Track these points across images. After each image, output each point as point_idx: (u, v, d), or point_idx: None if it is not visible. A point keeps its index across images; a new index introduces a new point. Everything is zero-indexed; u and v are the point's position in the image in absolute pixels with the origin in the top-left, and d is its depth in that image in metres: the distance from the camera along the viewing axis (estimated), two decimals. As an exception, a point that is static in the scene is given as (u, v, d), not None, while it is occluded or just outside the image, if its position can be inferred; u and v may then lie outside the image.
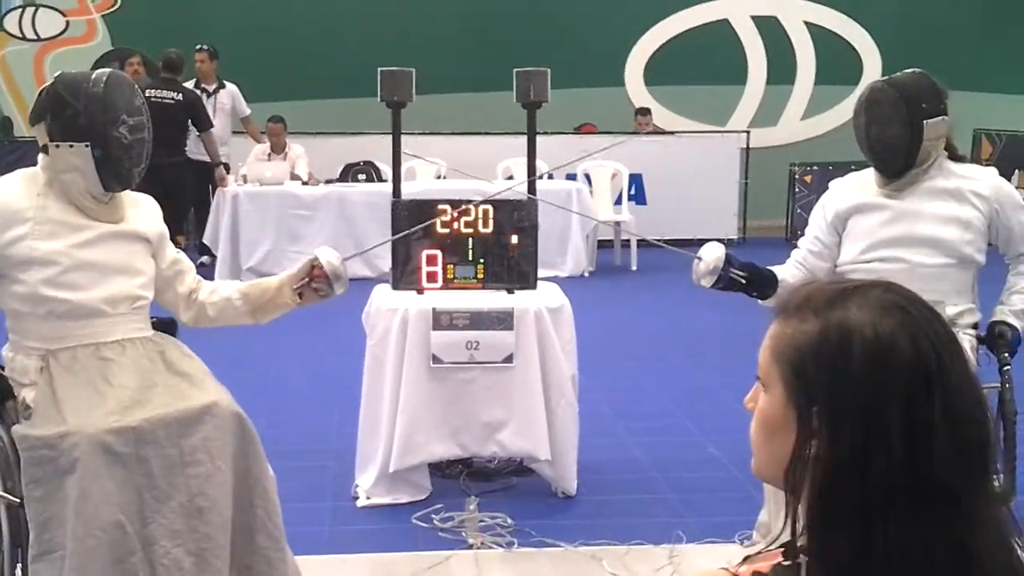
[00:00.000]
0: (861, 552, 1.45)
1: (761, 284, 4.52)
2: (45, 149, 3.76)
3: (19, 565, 3.68)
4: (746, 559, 1.57)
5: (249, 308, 4.17)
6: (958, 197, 4.43)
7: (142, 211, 4.01)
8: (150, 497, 3.60)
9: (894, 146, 4.37)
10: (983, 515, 1.46)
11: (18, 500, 3.63)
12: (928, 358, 1.46)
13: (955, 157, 4.53)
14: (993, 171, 4.57)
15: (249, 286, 4.22)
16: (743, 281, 4.49)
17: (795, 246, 4.78)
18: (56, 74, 3.84)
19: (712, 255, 4.48)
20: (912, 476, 1.44)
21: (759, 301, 4.54)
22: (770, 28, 15.84)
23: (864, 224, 4.52)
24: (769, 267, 4.64)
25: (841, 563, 1.46)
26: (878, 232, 4.48)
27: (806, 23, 15.90)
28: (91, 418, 3.57)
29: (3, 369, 3.81)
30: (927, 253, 4.40)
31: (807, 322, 1.52)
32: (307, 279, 4.17)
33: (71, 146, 3.70)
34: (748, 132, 14.94)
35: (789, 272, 4.66)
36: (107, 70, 3.84)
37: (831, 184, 4.74)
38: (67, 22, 15.12)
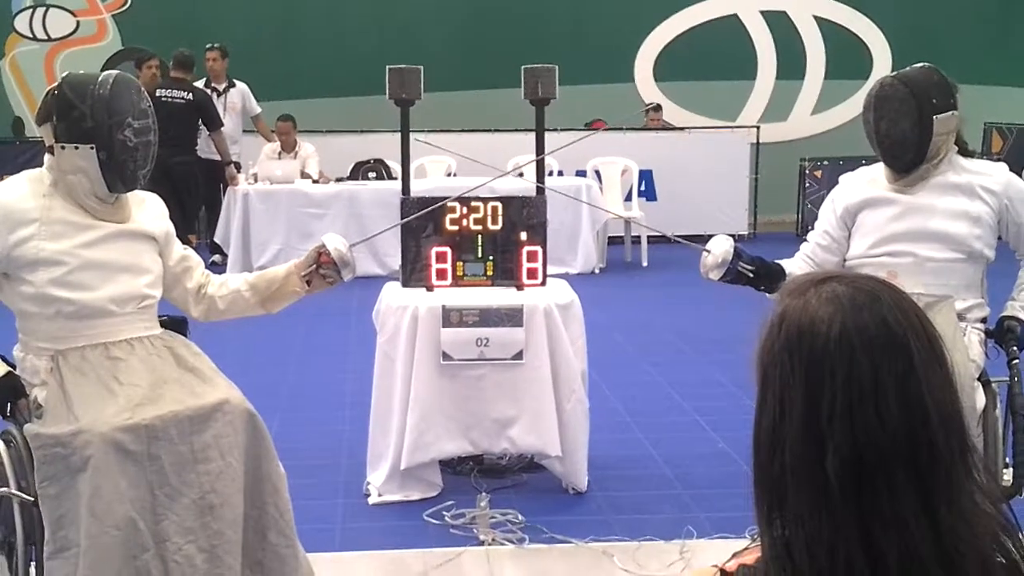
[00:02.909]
0: (777, 536, 1.50)
1: (769, 278, 4.53)
2: (51, 150, 3.77)
3: (33, 563, 3.70)
4: (735, 555, 1.61)
5: (258, 299, 4.19)
6: (968, 192, 4.41)
7: (148, 210, 4.03)
8: (162, 494, 3.62)
9: (904, 141, 4.36)
10: (931, 506, 1.48)
11: (32, 498, 3.65)
12: (850, 349, 1.49)
13: (965, 152, 4.51)
14: (1004, 166, 4.55)
15: (257, 276, 4.24)
16: (751, 275, 4.50)
17: (806, 241, 4.78)
18: (63, 75, 3.85)
19: (720, 248, 4.49)
20: (819, 461, 1.47)
21: (767, 295, 4.55)
22: (780, 23, 15.81)
23: (874, 218, 4.52)
24: (777, 261, 4.64)
25: (767, 547, 1.52)
26: (888, 227, 4.47)
27: (816, 17, 15.86)
28: (103, 416, 3.59)
29: (15, 369, 3.82)
30: (936, 248, 4.39)
31: (772, 309, 1.58)
32: (314, 266, 4.18)
33: (76, 148, 3.71)
34: (758, 127, 14.92)
35: (797, 266, 4.67)
36: (114, 72, 3.84)
37: (841, 179, 4.73)
38: (77, 22, 15.14)
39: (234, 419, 3.75)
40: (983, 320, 4.49)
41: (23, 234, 3.70)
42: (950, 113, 4.35)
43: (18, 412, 3.76)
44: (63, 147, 3.73)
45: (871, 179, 4.59)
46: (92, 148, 3.70)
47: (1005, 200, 4.41)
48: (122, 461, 3.55)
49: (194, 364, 3.91)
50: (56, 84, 3.80)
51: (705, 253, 4.53)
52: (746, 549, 1.59)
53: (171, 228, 4.11)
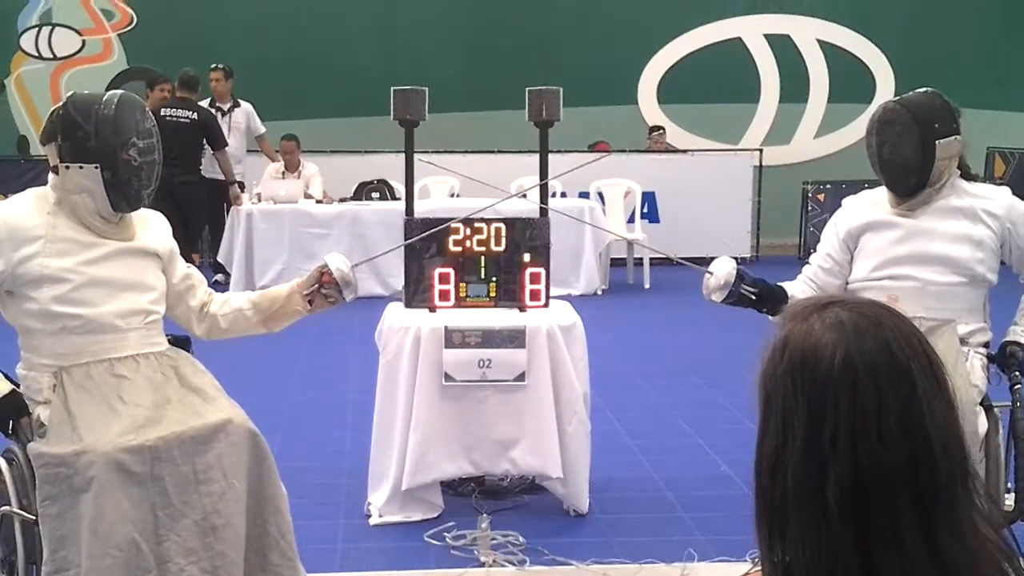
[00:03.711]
0: (778, 560, 1.51)
1: (771, 300, 4.54)
2: (55, 169, 3.79)
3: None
4: None
5: (260, 317, 4.21)
6: (971, 216, 4.42)
7: (152, 227, 4.04)
8: (164, 515, 3.62)
9: (906, 166, 4.37)
10: (931, 531, 1.48)
11: (33, 517, 3.64)
12: (854, 374, 1.49)
13: (968, 176, 4.52)
14: (1006, 190, 4.56)
15: (259, 295, 4.25)
16: (753, 297, 4.52)
17: (808, 264, 4.78)
18: (68, 95, 3.86)
19: (723, 270, 4.50)
20: (820, 486, 1.47)
21: (769, 317, 4.56)
22: (783, 46, 15.86)
23: (876, 242, 4.52)
24: (780, 284, 4.65)
25: (768, 571, 1.53)
26: (890, 250, 4.48)
27: (819, 41, 15.91)
28: (106, 436, 3.59)
29: (18, 387, 3.82)
30: (939, 271, 4.39)
31: (775, 334, 1.58)
32: (316, 286, 4.19)
33: (81, 167, 3.72)
34: (761, 150, 14.95)
35: (800, 289, 4.68)
36: (118, 92, 3.86)
37: (844, 202, 4.74)
38: (83, 41, 15.21)
39: (237, 439, 3.75)
40: (985, 344, 4.49)
41: (27, 251, 3.71)
42: (953, 138, 4.36)
43: (20, 431, 3.76)
44: (68, 167, 3.75)
45: (873, 202, 4.61)
46: (97, 168, 3.71)
47: (1008, 224, 4.42)
48: (125, 482, 3.55)
49: (197, 384, 3.91)
50: (61, 104, 3.81)
51: (708, 275, 4.55)
52: (746, 574, 1.60)
53: (175, 246, 4.13)
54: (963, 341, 4.36)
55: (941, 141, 4.33)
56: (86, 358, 3.76)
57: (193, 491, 3.65)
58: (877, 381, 1.49)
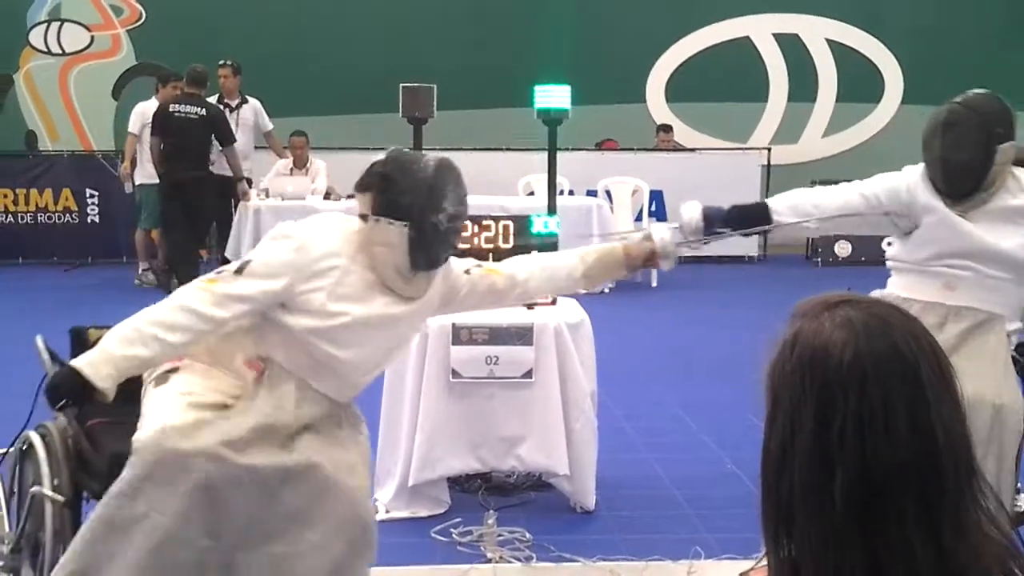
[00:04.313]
0: (784, 556, 1.52)
1: (748, 223, 4.56)
2: (365, 218, 3.76)
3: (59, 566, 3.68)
4: (741, 575, 1.62)
5: (584, 280, 4.30)
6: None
7: (438, 284, 3.99)
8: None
9: (967, 169, 4.28)
10: (937, 531, 1.48)
11: (62, 498, 3.64)
12: (863, 374, 1.50)
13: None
14: None
15: (594, 262, 4.28)
16: (728, 230, 4.55)
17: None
18: (391, 150, 3.87)
19: (689, 214, 4.50)
20: (827, 484, 1.48)
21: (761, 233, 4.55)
22: (792, 45, 15.85)
23: (934, 230, 4.40)
24: (768, 200, 4.64)
25: (774, 568, 1.54)
26: (949, 243, 4.35)
27: (828, 41, 15.90)
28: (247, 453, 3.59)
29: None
30: (995, 266, 4.30)
31: (785, 330, 1.59)
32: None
33: (391, 223, 3.71)
34: (769, 149, 14.95)
35: (794, 200, 4.61)
36: (439, 156, 3.85)
37: (912, 171, 4.53)
38: (92, 37, 15.23)
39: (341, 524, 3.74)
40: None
41: (316, 284, 3.68)
42: (1011, 143, 4.30)
43: (67, 411, 3.72)
44: (378, 220, 3.73)
45: (934, 189, 4.45)
46: (406, 226, 3.70)
47: None
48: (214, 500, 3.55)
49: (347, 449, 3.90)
50: (383, 159, 3.81)
51: (676, 228, 4.52)
52: (752, 569, 1.60)
53: (455, 281, 4.09)
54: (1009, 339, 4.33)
55: (1001, 146, 4.27)
56: (312, 378, 3.77)
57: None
58: (885, 381, 1.49)
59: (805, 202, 4.61)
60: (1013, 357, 4.41)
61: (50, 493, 3.66)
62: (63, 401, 3.53)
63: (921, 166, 4.55)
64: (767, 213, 4.56)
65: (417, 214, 3.70)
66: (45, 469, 3.69)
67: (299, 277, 3.65)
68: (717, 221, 4.51)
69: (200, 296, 3.60)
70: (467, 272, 4.11)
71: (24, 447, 3.85)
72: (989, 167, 4.28)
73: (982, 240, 4.34)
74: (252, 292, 3.62)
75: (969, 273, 4.33)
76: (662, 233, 4.32)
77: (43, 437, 3.78)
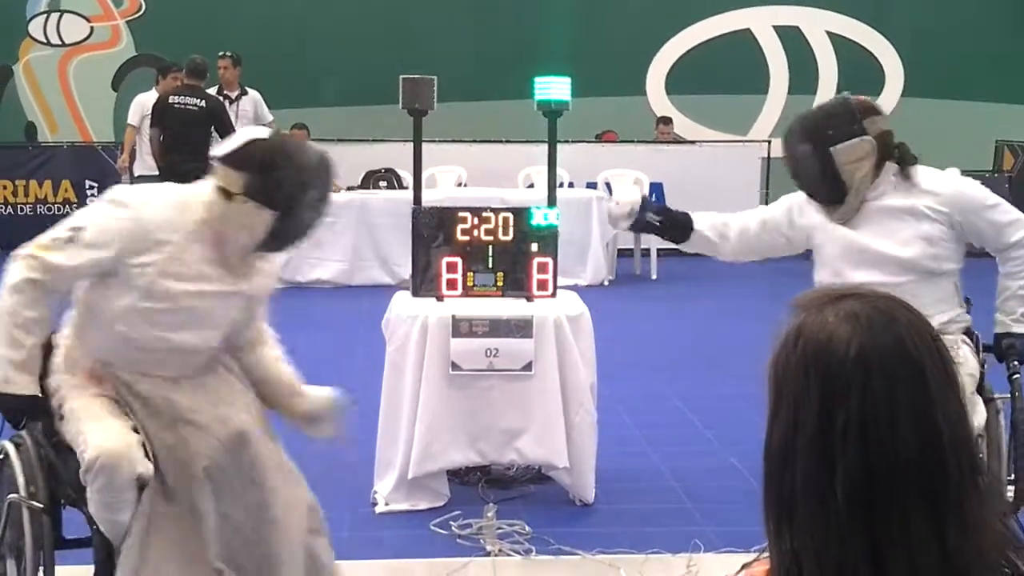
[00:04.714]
0: (786, 550, 1.51)
1: (676, 228, 4.63)
2: (226, 193, 3.64)
3: (42, 568, 3.69)
4: (744, 566, 1.61)
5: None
6: (916, 214, 4.28)
7: (267, 271, 3.95)
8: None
9: (811, 177, 4.30)
10: (940, 527, 1.47)
11: (40, 505, 3.64)
12: (867, 368, 1.48)
13: (905, 162, 4.34)
14: (950, 178, 4.39)
15: (267, 385, 4.10)
16: (658, 224, 4.62)
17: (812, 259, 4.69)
18: (273, 132, 3.87)
19: (628, 197, 4.55)
20: (829, 479, 1.47)
21: (674, 244, 4.71)
22: (792, 38, 15.84)
23: (827, 249, 4.43)
24: (689, 213, 4.69)
25: (776, 561, 1.53)
26: (839, 261, 4.37)
27: (828, 33, 15.88)
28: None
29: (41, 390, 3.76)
30: (894, 272, 4.25)
31: (788, 322, 1.57)
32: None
33: (259, 208, 3.62)
34: (769, 142, 14.90)
35: (710, 222, 4.68)
36: (321, 151, 3.82)
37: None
38: (91, 28, 15.22)
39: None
40: (967, 331, 4.41)
41: (146, 259, 3.58)
42: (856, 140, 4.22)
43: (31, 423, 3.75)
44: (245, 201, 3.62)
45: (818, 205, 4.47)
46: (271, 212, 3.63)
47: (957, 217, 4.26)
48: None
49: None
50: (267, 138, 3.76)
51: (613, 204, 4.59)
52: (756, 560, 1.59)
53: (274, 287, 4.05)
54: (942, 331, 4.28)
55: (838, 147, 4.21)
56: (130, 369, 3.73)
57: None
58: (890, 376, 1.49)
59: (722, 222, 4.70)
60: (985, 346, 4.38)
61: (29, 501, 3.66)
62: (21, 419, 3.66)
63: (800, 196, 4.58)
64: (690, 224, 4.65)
65: (290, 206, 3.64)
66: (21, 478, 3.68)
67: (130, 249, 3.55)
68: (650, 209, 4.61)
69: (32, 268, 3.54)
70: None
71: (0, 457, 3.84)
72: (831, 170, 4.23)
73: (870, 252, 4.30)
74: (81, 262, 3.55)
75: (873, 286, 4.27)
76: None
77: (17, 447, 3.76)
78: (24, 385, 3.55)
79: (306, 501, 3.92)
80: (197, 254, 3.64)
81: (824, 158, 4.23)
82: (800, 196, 4.53)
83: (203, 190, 3.69)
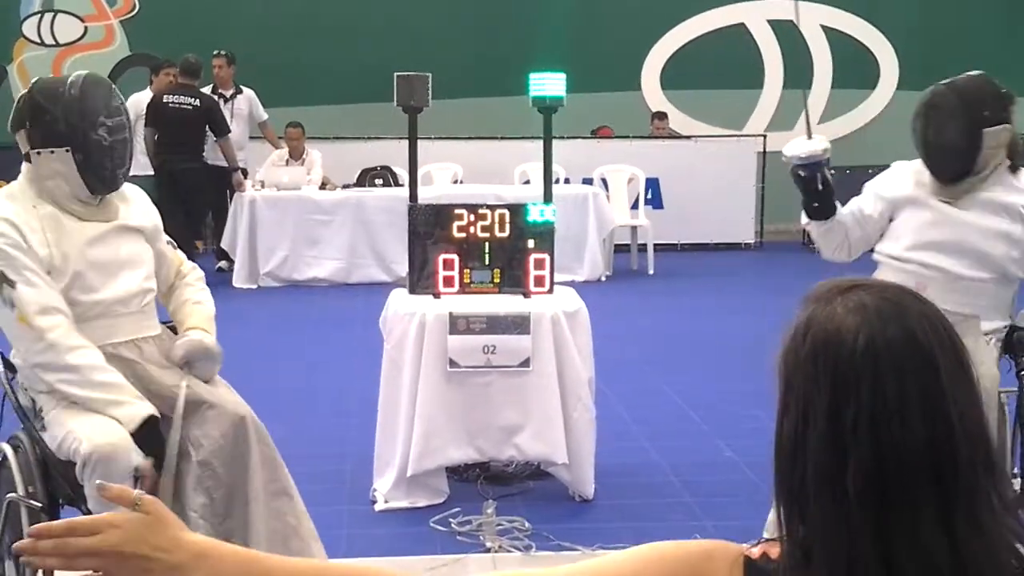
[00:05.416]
0: (797, 541, 1.50)
1: (825, 203, 4.46)
2: (28, 157, 3.77)
3: (41, 569, 3.69)
4: (760, 542, 1.60)
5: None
6: (1012, 213, 4.31)
7: (133, 204, 4.01)
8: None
9: (952, 152, 4.27)
10: (951, 521, 1.46)
11: (39, 504, 3.65)
12: (875, 359, 1.47)
13: (1015, 167, 4.38)
14: None
15: (177, 313, 4.16)
16: (820, 187, 4.41)
17: (812, 251, 4.70)
18: (33, 81, 3.85)
19: (822, 145, 4.37)
20: (840, 472, 1.46)
21: (808, 216, 4.51)
22: (787, 32, 15.81)
23: (913, 221, 4.41)
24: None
25: (787, 552, 1.52)
26: (925, 233, 4.37)
27: (823, 27, 15.86)
28: None
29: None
30: (970, 265, 4.30)
31: (798, 314, 1.56)
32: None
33: (52, 152, 3.71)
34: (765, 136, 14.93)
35: (846, 214, 4.58)
36: (83, 72, 3.85)
37: (893, 165, 4.61)
38: (85, 27, 15.18)
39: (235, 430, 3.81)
40: (1005, 339, 4.41)
41: (35, 241, 3.68)
42: (1002, 126, 4.25)
43: (27, 421, 3.77)
44: (39, 153, 3.73)
45: (918, 179, 4.47)
46: (68, 151, 3.70)
47: None
48: None
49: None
50: (26, 90, 3.80)
51: (807, 139, 4.40)
52: (773, 539, 1.58)
53: (159, 222, 4.10)
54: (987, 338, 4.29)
55: (989, 129, 4.22)
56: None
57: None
58: (899, 367, 1.47)
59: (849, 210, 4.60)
60: (1005, 342, 4.38)
61: (27, 500, 3.67)
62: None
63: (901, 164, 4.56)
64: (834, 210, 4.51)
65: (76, 136, 3.69)
66: (19, 478, 3.69)
67: (34, 238, 3.66)
68: (828, 167, 4.42)
69: (33, 331, 3.63)
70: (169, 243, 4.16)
71: None
72: (976, 151, 4.24)
73: (957, 236, 4.30)
74: (38, 284, 3.65)
75: (939, 275, 4.29)
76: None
77: (15, 448, 3.78)
78: (145, 411, 3.68)
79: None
80: (56, 218, 3.73)
81: (974, 136, 4.23)
82: (883, 182, 4.53)
83: (13, 184, 3.84)
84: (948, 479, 1.46)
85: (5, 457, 3.79)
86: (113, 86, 3.88)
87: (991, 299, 4.31)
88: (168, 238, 4.18)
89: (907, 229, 4.43)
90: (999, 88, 4.35)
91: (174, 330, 4.08)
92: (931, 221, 4.37)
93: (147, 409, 3.66)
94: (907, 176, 4.50)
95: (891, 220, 4.51)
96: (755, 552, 1.59)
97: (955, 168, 4.30)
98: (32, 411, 3.78)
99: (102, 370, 3.63)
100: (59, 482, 3.73)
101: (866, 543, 1.45)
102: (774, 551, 1.57)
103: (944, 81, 4.40)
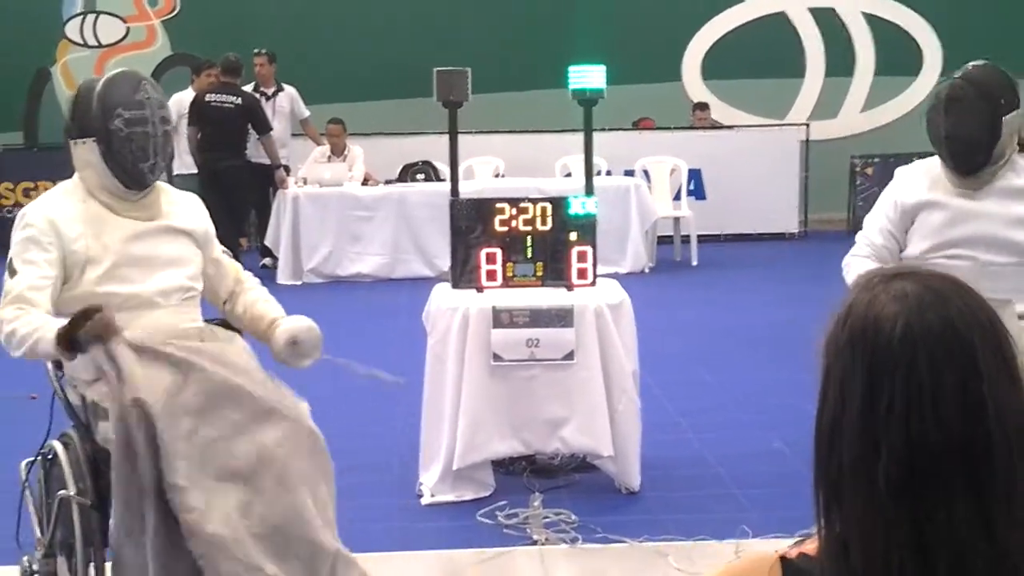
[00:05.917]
0: (835, 533, 1.49)
1: None
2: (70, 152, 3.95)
3: (92, 564, 3.73)
4: (797, 542, 1.59)
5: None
6: None
7: (182, 208, 4.09)
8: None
9: (974, 144, 4.25)
10: (986, 514, 1.43)
11: (89, 501, 3.68)
12: (912, 348, 1.45)
13: None
14: None
15: (252, 324, 4.19)
16: None
17: (863, 235, 4.65)
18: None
19: None
20: (874, 461, 1.45)
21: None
22: (827, 19, 15.71)
23: (932, 222, 4.41)
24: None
25: (824, 544, 1.51)
26: (947, 232, 4.36)
27: (864, 14, 15.74)
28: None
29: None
30: (996, 252, 4.30)
31: (841, 303, 1.56)
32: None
33: (84, 142, 3.88)
34: (807, 125, 14.84)
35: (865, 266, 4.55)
36: (122, 69, 4.02)
37: (897, 173, 4.61)
38: (127, 28, 15.30)
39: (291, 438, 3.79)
40: None
41: (73, 236, 3.78)
42: (1015, 112, 4.27)
43: (76, 416, 3.80)
44: (75, 143, 3.92)
45: (932, 179, 4.46)
46: (95, 141, 3.85)
47: None
48: None
49: (243, 365, 3.91)
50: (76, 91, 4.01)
51: None
52: (809, 537, 1.57)
53: (211, 228, 4.17)
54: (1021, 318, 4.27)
55: (1006, 117, 4.24)
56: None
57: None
58: (936, 357, 1.45)
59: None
60: None
61: (78, 497, 3.70)
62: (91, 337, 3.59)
63: (909, 168, 4.54)
64: None
65: (97, 126, 3.84)
66: (69, 474, 3.73)
67: (55, 241, 3.78)
68: None
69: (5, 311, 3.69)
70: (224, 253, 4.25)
71: (49, 456, 3.90)
72: (996, 139, 4.26)
73: (979, 229, 4.30)
74: (37, 275, 3.73)
75: (968, 263, 4.28)
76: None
77: (65, 445, 3.82)
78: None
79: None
80: (101, 211, 3.88)
81: (995, 124, 4.25)
82: (893, 192, 4.52)
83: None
84: (984, 474, 1.43)
85: (56, 454, 3.83)
86: (145, 81, 3.94)
87: (1016, 281, 4.28)
88: (223, 247, 4.25)
89: (928, 232, 4.43)
90: (1007, 75, 4.36)
91: (225, 325, 4.11)
92: (949, 220, 4.37)
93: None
94: (918, 179, 4.48)
95: (912, 223, 4.51)
96: (793, 552, 1.57)
97: (977, 159, 4.31)
98: (81, 408, 3.82)
99: (25, 321, 3.65)
100: (109, 479, 3.76)
101: (900, 536, 1.43)
102: (811, 547, 1.55)
103: (956, 74, 4.41)
